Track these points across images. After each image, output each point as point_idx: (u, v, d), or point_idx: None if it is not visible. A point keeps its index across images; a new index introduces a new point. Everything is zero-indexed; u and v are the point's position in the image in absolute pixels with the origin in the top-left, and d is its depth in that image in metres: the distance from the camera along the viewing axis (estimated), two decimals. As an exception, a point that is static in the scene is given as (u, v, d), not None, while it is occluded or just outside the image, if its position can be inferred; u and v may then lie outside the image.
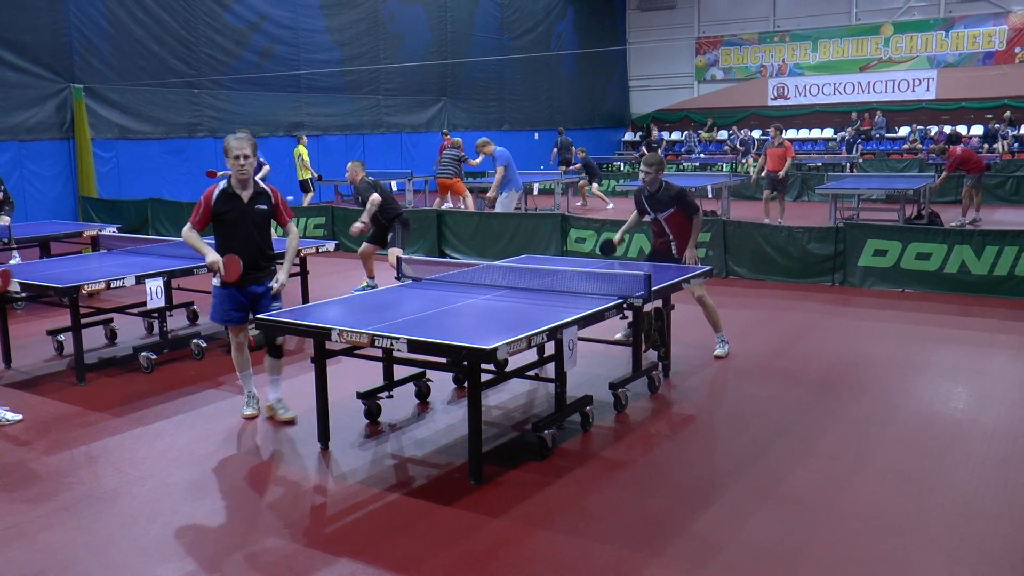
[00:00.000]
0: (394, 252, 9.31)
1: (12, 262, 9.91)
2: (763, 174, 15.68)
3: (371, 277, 10.01)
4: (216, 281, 5.59)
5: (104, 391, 6.51)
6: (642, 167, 7.14)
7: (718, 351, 7.23)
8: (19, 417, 5.86)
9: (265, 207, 5.63)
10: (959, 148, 15.28)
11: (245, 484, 4.82)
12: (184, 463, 5.09)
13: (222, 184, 5.54)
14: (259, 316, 5.26)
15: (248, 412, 5.87)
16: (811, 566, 3.84)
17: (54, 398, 6.36)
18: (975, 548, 3.95)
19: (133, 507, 4.53)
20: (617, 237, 7.30)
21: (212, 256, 5.52)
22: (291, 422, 5.69)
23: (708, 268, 6.81)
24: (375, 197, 9.58)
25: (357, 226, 9.49)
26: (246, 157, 5.42)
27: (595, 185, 20.26)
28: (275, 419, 5.77)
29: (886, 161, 23.64)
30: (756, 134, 28.88)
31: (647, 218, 7.26)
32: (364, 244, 10.01)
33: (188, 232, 5.61)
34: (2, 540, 4.16)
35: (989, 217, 15.73)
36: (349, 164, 10.18)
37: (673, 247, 7.15)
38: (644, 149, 24.12)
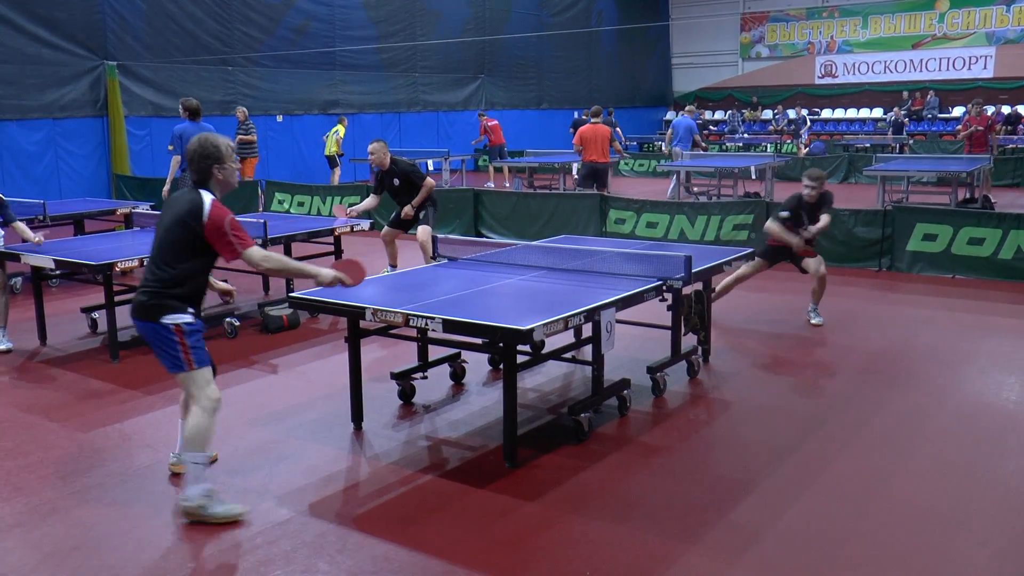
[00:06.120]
0: (425, 231, 8.83)
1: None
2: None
3: (393, 265, 9.28)
4: (188, 319, 4.16)
5: (137, 369, 6.52)
6: (807, 181, 7.26)
7: (815, 320, 7.53)
8: (8, 346, 6.92)
9: None
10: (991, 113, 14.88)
11: (277, 463, 4.78)
12: (215, 441, 5.04)
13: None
14: (293, 295, 5.18)
15: None
16: (851, 557, 3.70)
17: (88, 375, 6.38)
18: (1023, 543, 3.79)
19: (165, 484, 4.52)
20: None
21: (327, 272, 4.44)
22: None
23: (751, 250, 6.64)
24: (431, 182, 9.00)
25: (409, 211, 8.93)
26: None
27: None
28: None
29: (938, 143, 22.93)
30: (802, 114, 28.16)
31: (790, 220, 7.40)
32: (386, 228, 9.37)
33: (267, 255, 4.30)
34: (38, 515, 4.17)
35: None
36: (375, 145, 8.98)
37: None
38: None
